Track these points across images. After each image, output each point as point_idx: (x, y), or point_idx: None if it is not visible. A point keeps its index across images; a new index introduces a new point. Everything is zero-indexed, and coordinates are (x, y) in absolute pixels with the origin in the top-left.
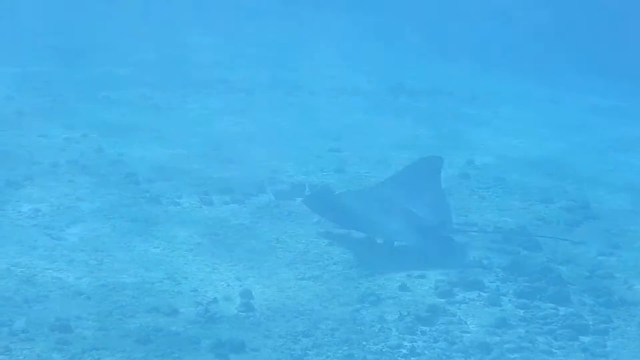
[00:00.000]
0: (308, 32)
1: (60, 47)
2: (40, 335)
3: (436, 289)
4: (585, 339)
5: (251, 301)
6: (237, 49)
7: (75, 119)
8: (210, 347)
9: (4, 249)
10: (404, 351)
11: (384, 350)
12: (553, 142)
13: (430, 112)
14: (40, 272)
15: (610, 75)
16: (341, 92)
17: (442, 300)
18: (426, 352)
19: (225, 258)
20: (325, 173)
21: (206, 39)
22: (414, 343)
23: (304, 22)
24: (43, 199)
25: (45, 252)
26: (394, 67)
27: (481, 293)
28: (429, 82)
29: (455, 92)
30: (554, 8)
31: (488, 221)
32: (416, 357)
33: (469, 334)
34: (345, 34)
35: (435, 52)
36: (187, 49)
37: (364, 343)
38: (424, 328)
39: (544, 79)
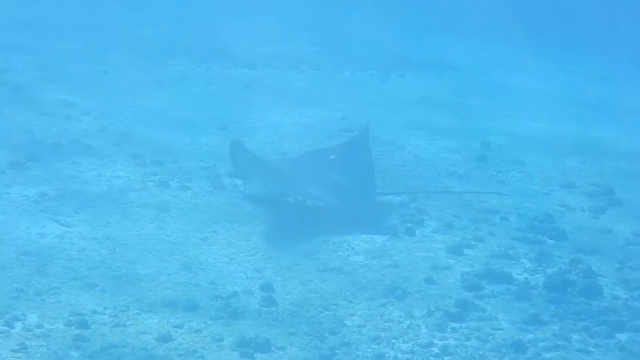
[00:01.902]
0: None
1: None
2: (56, 331)
3: (463, 282)
4: (622, 337)
5: (272, 295)
6: None
7: (75, 95)
8: (235, 345)
9: (11, 236)
10: (436, 350)
11: (414, 349)
12: (568, 119)
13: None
14: (51, 262)
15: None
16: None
17: (470, 294)
18: (459, 351)
19: (242, 247)
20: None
21: None
22: (445, 341)
23: None
24: (48, 181)
25: (55, 240)
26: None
27: (510, 286)
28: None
29: (462, 67)
30: None
31: (509, 207)
32: (449, 357)
33: (501, 331)
34: None
35: (437, 25)
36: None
37: (394, 341)
38: (454, 325)
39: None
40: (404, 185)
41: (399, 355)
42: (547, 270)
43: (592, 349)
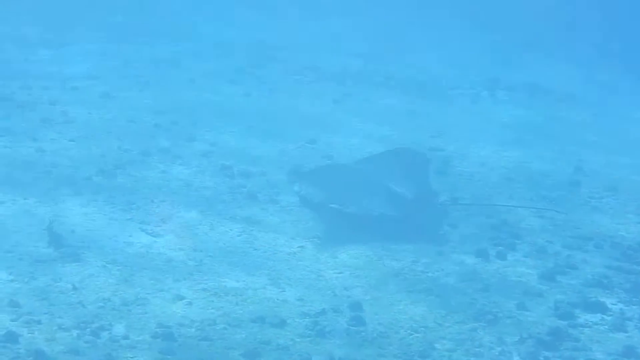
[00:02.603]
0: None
1: (130, 23)
2: (143, 342)
3: (556, 309)
4: None
5: (361, 314)
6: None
7: (163, 103)
8: None
9: (98, 244)
10: None
11: None
12: None
13: (530, 111)
14: (138, 272)
15: None
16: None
17: (564, 322)
18: None
19: (330, 264)
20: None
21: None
22: None
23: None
24: (136, 190)
25: (142, 249)
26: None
27: (604, 317)
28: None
29: (554, 89)
30: None
31: (603, 235)
32: None
33: None
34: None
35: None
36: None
37: None
38: (547, 354)
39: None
40: (495, 209)
41: None
42: None
43: None
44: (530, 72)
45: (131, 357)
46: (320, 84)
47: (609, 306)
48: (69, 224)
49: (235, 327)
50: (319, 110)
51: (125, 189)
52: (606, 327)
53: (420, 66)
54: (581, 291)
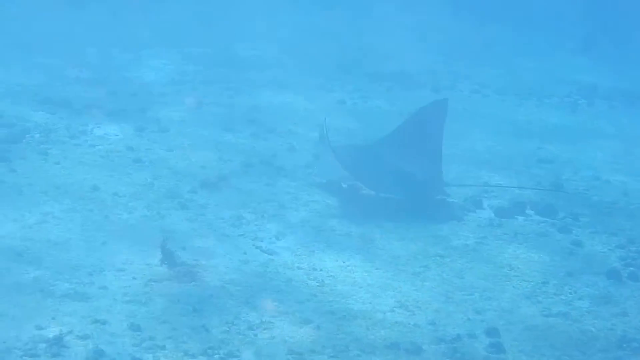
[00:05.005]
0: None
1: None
2: None
3: None
4: None
5: (499, 341)
6: None
7: (255, 112)
8: None
9: (213, 262)
10: None
11: None
12: None
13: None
14: (258, 293)
15: None
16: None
17: None
18: None
19: (457, 285)
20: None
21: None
22: None
23: None
24: (244, 204)
25: (259, 268)
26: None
27: None
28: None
29: None
30: None
31: None
32: None
33: None
34: None
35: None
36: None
37: None
38: None
39: None
40: (618, 226)
41: None
42: None
43: None
44: (626, 78)
45: None
46: (411, 92)
47: None
48: (179, 241)
49: (369, 354)
50: None
51: (233, 203)
52: None
53: (510, 71)
54: None
